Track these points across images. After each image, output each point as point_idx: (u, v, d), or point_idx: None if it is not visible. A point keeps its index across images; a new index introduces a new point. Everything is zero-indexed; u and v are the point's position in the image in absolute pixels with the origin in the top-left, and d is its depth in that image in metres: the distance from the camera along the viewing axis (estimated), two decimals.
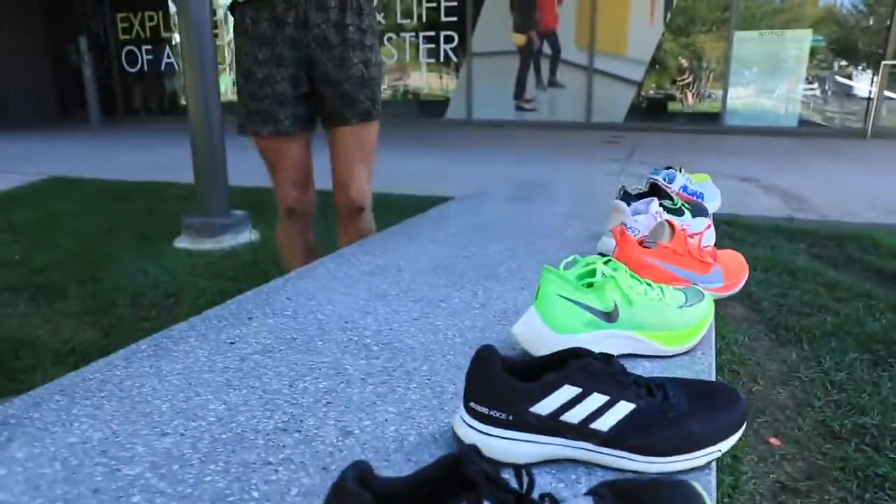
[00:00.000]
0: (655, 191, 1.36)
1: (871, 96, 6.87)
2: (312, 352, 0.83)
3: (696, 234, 1.10)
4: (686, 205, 1.35)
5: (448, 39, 8.46)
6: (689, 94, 7.69)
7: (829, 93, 7.25)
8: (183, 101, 10.48)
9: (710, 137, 7.14)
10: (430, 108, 8.69)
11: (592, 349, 0.59)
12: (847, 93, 7.20)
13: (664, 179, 1.53)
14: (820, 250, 2.69)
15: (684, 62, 7.61)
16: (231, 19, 1.49)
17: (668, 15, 7.40)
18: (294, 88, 1.47)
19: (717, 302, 2.14)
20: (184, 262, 2.60)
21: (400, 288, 1.07)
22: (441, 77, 8.59)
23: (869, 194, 3.73)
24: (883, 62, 6.75)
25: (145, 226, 3.21)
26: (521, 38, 8.03)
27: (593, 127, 7.83)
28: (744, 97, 7.40)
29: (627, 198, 1.32)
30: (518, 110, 8.26)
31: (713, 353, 0.86)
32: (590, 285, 0.77)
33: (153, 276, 2.45)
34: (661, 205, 1.30)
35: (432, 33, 8.53)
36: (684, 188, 1.54)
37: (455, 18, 8.33)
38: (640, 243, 1.01)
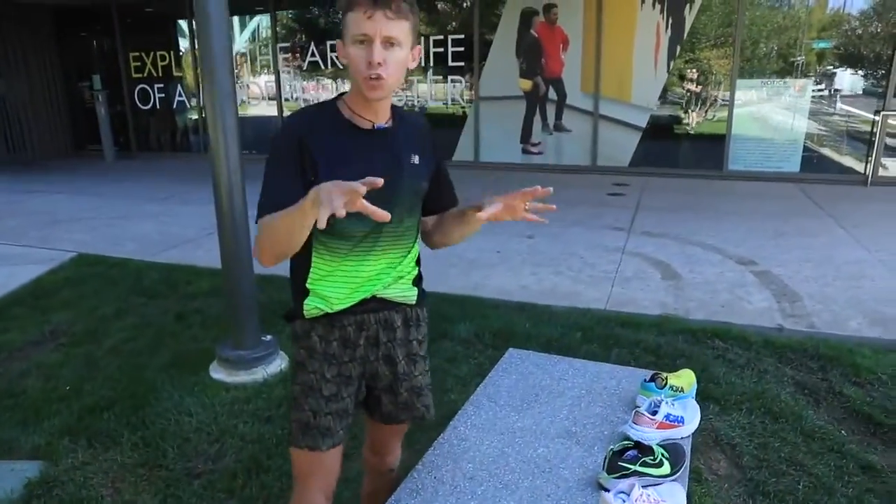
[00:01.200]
0: (639, 447, 1.59)
1: (873, 141, 7.02)
2: None
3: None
4: (665, 454, 1.58)
5: (456, 83, 8.67)
6: (692, 142, 7.87)
7: (832, 139, 7.42)
8: (191, 137, 10.75)
9: (713, 183, 7.33)
10: (437, 149, 8.88)
11: None
12: (849, 140, 7.37)
13: (648, 410, 1.75)
14: (805, 376, 2.91)
15: (687, 109, 7.79)
16: (295, 327, 1.52)
17: (672, 64, 7.57)
18: (355, 402, 1.53)
19: (702, 453, 2.39)
20: (222, 398, 2.85)
21: None
22: (449, 119, 8.81)
23: (859, 289, 3.94)
24: (882, 112, 6.91)
25: (180, 341, 3.47)
26: (526, 84, 8.24)
27: (599, 171, 8.03)
28: (746, 143, 7.57)
29: (615, 460, 1.54)
30: (525, 153, 8.47)
31: None
32: None
33: (196, 417, 2.71)
34: (643, 462, 1.54)
35: (440, 77, 8.75)
36: (667, 416, 1.77)
37: (462, 63, 8.55)
38: None
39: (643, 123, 7.83)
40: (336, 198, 1.09)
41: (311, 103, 1.48)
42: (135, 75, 10.83)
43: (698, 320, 3.48)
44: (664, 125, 7.85)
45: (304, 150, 1.35)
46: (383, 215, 1.13)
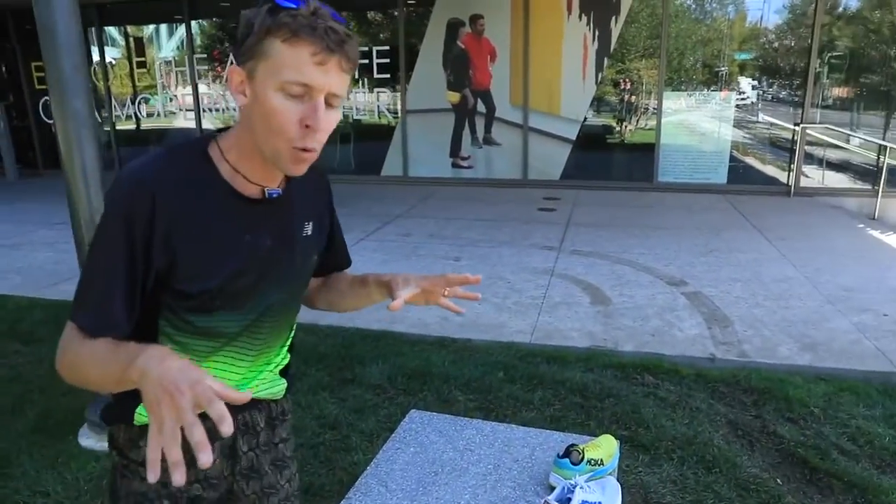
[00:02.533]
0: None
1: (795, 150, 7.10)
2: None
3: None
4: None
5: (382, 94, 8.37)
6: (621, 152, 7.82)
7: (756, 150, 7.49)
8: (103, 153, 10.09)
9: (643, 196, 7.26)
10: (367, 165, 8.58)
11: None
12: (772, 150, 7.45)
13: (560, 499, 1.48)
14: (738, 414, 2.72)
15: (616, 121, 7.73)
16: (114, 433, 1.15)
17: (600, 76, 7.49)
18: None
19: None
20: (89, 471, 2.44)
21: None
22: (376, 134, 8.48)
23: (788, 309, 3.83)
24: (801, 124, 6.99)
25: (50, 397, 3.01)
26: (454, 96, 8.01)
27: (530, 184, 7.87)
28: (674, 154, 7.55)
29: None
30: (455, 167, 8.23)
31: None
32: None
33: (54, 496, 2.29)
34: None
35: (366, 89, 8.43)
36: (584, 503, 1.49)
37: (388, 75, 8.25)
38: None
39: (573, 136, 7.71)
40: (181, 402, 0.73)
41: (169, 146, 1.02)
42: (38, 87, 10.04)
43: (628, 353, 3.27)
44: (594, 137, 7.76)
45: (155, 225, 0.94)
46: (243, 397, 0.78)
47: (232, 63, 1.07)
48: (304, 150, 0.95)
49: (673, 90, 7.43)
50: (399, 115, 8.28)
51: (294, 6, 0.90)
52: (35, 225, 6.61)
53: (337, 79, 0.93)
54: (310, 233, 1.15)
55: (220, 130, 1.06)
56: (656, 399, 2.82)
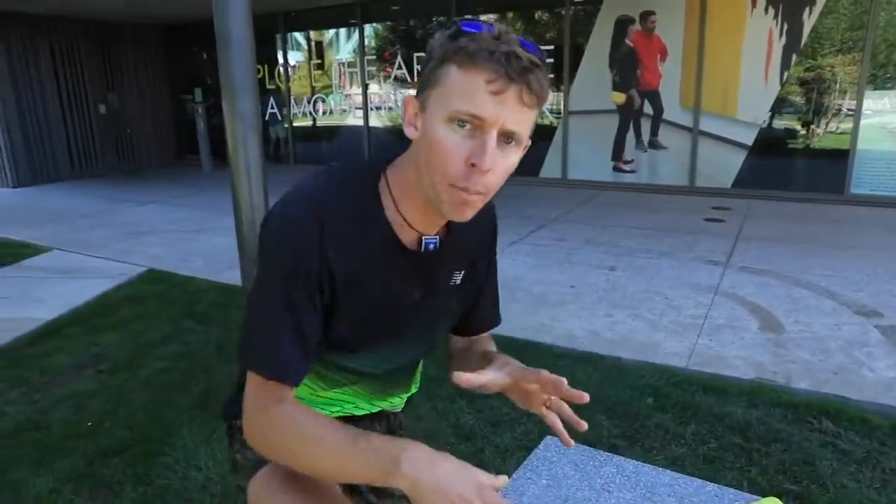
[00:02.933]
0: None
1: None
2: None
3: None
4: None
5: None
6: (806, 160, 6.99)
7: None
8: (282, 148, 10.94)
9: (831, 209, 6.45)
10: (525, 166, 8.46)
11: None
12: None
13: None
14: None
15: (802, 124, 6.93)
16: (236, 430, 1.17)
17: (786, 75, 6.76)
18: None
19: None
20: None
21: None
22: (536, 134, 8.34)
23: None
24: None
25: (213, 377, 3.27)
26: (620, 97, 7.65)
27: (697, 192, 7.32)
28: (874, 162, 6.62)
29: None
30: (616, 171, 7.87)
31: None
32: None
33: (205, 472, 2.46)
34: None
35: None
36: None
37: (552, 75, 8.06)
38: None
39: (749, 141, 7.04)
40: None
41: (338, 171, 0.95)
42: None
43: (802, 391, 2.87)
44: (775, 142, 7.02)
45: (322, 269, 0.88)
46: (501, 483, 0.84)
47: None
48: (467, 190, 0.83)
49: (875, 89, 6.50)
50: (561, 115, 8.09)
51: (477, 31, 0.80)
52: (221, 213, 7.32)
53: (515, 112, 0.81)
54: (458, 282, 1.07)
55: (393, 157, 0.96)
56: (836, 451, 2.44)
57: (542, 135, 8.25)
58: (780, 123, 6.97)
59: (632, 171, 7.79)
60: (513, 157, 0.86)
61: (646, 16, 7.29)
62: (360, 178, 0.93)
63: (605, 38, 7.60)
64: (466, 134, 0.81)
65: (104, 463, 2.55)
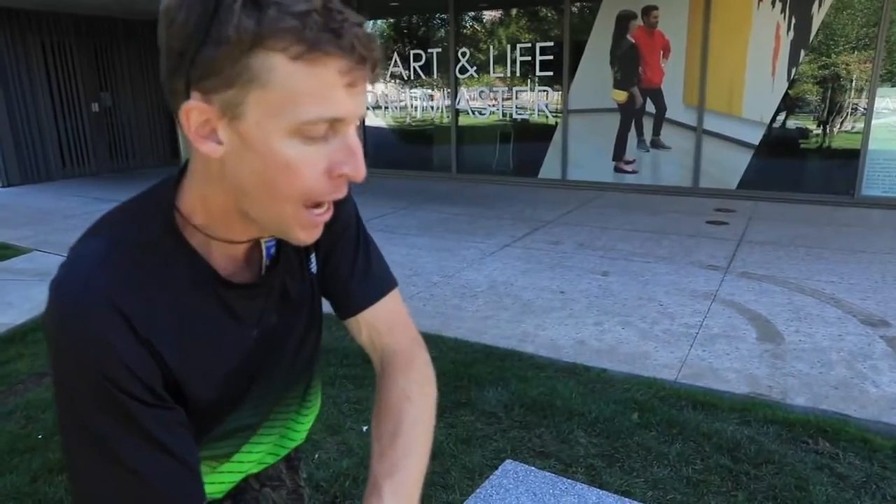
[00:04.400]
0: None
1: None
2: None
3: None
4: None
5: (543, 93, 8.02)
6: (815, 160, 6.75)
7: None
8: None
9: (840, 212, 6.21)
10: (523, 167, 8.29)
11: None
12: None
13: None
14: None
15: (810, 123, 6.69)
16: None
17: (794, 72, 6.52)
18: None
19: None
20: None
21: None
22: (535, 134, 8.15)
23: None
24: None
25: None
26: (621, 95, 7.44)
27: (701, 193, 7.09)
28: (887, 163, 6.37)
29: None
30: (617, 172, 7.66)
31: None
32: None
33: None
34: None
35: (526, 88, 8.13)
36: None
37: (550, 73, 7.88)
38: None
39: (756, 140, 6.80)
40: None
41: (109, 228, 0.70)
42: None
43: (799, 407, 2.66)
44: (782, 142, 6.78)
45: (153, 361, 0.66)
46: None
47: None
48: (322, 206, 0.66)
49: (893, 85, 6.24)
50: (560, 114, 7.89)
51: None
52: None
53: (365, 97, 0.65)
54: (315, 269, 0.86)
55: (174, 179, 0.72)
56: (833, 475, 2.23)
57: (541, 134, 8.05)
58: (788, 122, 6.73)
59: (633, 172, 7.57)
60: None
61: (648, 11, 7.07)
62: (145, 223, 0.69)
63: (605, 35, 7.39)
64: (318, 142, 0.62)
65: (48, 479, 2.39)
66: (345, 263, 0.88)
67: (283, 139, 0.60)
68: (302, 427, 1.01)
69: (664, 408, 2.69)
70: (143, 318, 0.65)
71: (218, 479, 0.91)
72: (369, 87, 0.66)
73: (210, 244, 0.71)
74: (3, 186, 9.59)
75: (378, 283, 0.90)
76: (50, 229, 6.61)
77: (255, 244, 0.77)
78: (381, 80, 9.43)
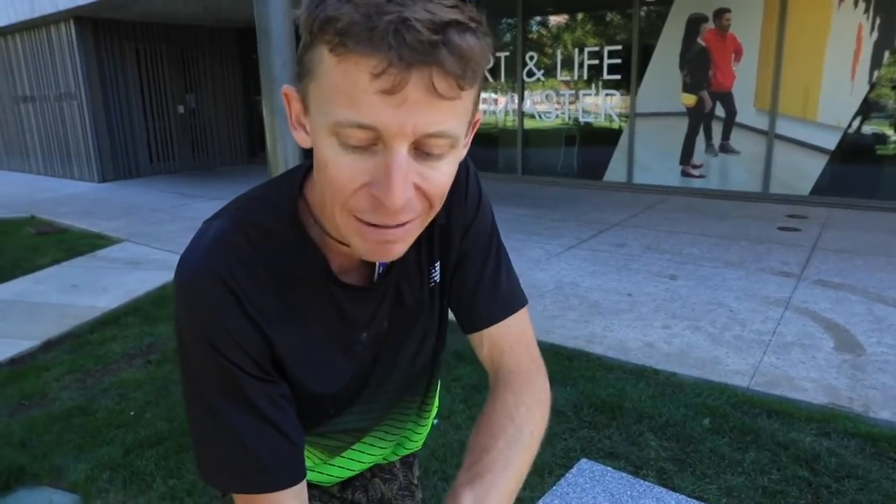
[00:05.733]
0: None
1: None
2: None
3: None
4: None
5: (610, 96, 7.96)
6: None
7: None
8: None
9: None
10: (589, 169, 8.23)
11: None
12: None
13: None
14: None
15: (888, 131, 6.41)
16: None
17: (875, 75, 6.27)
18: None
19: None
20: None
21: None
22: (601, 137, 8.09)
23: None
24: None
25: None
26: (690, 99, 7.31)
27: (771, 199, 6.89)
28: None
29: None
30: (684, 176, 7.53)
31: None
32: None
33: None
34: None
35: (592, 91, 8.08)
36: None
37: (618, 76, 7.81)
38: None
39: (831, 145, 6.57)
40: None
41: (240, 207, 0.73)
42: None
43: (884, 422, 2.59)
44: (860, 147, 6.52)
45: (262, 344, 0.71)
46: None
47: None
48: (378, 227, 0.60)
49: None
50: (627, 118, 7.81)
51: None
52: None
53: (428, 110, 0.54)
54: (438, 279, 0.85)
55: (305, 168, 0.74)
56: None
57: (607, 138, 7.98)
58: (867, 127, 6.47)
59: (701, 176, 7.42)
60: (446, 167, 0.60)
61: (720, 13, 6.93)
62: (270, 211, 0.72)
63: (675, 38, 7.28)
64: (364, 150, 0.57)
65: (140, 454, 2.56)
66: (472, 276, 0.85)
67: (326, 137, 0.58)
68: (419, 436, 1.05)
69: (737, 414, 2.66)
70: (253, 298, 0.68)
71: (328, 471, 0.96)
72: (444, 98, 0.54)
73: (325, 239, 0.72)
74: (99, 181, 10.24)
75: (505, 300, 0.87)
76: (139, 221, 7.01)
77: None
78: None
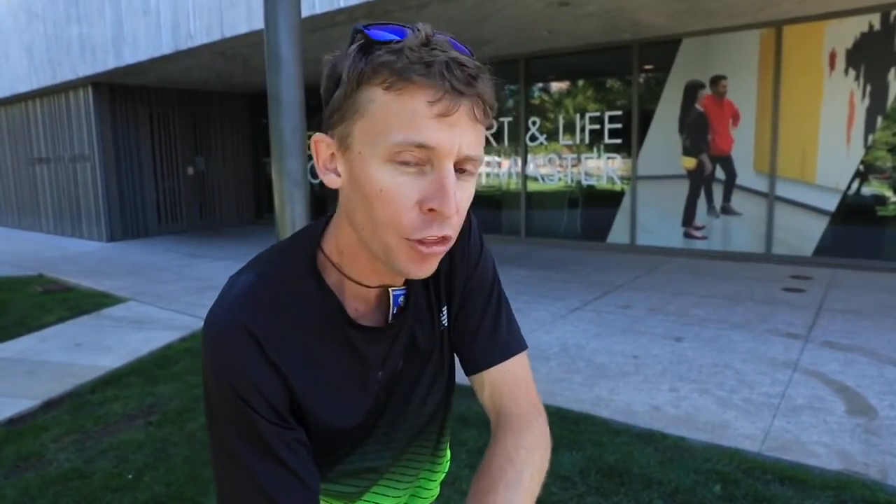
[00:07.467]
0: None
1: None
2: None
3: None
4: None
5: (612, 159, 8.11)
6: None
7: None
8: None
9: None
10: (592, 231, 8.30)
11: None
12: None
13: None
14: None
15: (887, 192, 6.49)
16: None
17: (870, 139, 6.40)
18: None
19: None
20: None
21: None
22: (604, 200, 8.20)
23: None
24: None
25: None
26: (690, 162, 7.45)
27: (774, 260, 6.92)
28: None
29: None
30: (687, 237, 7.58)
31: None
32: None
33: None
34: None
35: (594, 155, 8.24)
36: None
37: (619, 140, 7.98)
38: None
39: (831, 207, 6.64)
40: None
41: (263, 263, 0.80)
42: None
43: None
44: (860, 209, 6.58)
45: (282, 386, 0.75)
46: None
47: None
48: (425, 242, 0.68)
49: None
50: (629, 180, 7.93)
51: (396, 37, 0.65)
52: None
53: (470, 134, 0.67)
54: (447, 322, 0.90)
55: (325, 220, 0.82)
56: None
57: (610, 200, 8.09)
58: (866, 189, 6.56)
59: (703, 238, 7.47)
60: (471, 187, 0.72)
61: (717, 80, 7.14)
62: (291, 260, 0.78)
63: (674, 103, 7.47)
64: (414, 173, 0.66)
65: None
66: (473, 319, 0.90)
67: (379, 166, 0.66)
68: (433, 483, 1.04)
69: (749, 481, 2.60)
70: (275, 344, 0.73)
71: None
72: (479, 124, 0.67)
73: (344, 284, 0.79)
74: (107, 241, 10.36)
75: (505, 344, 0.91)
76: (144, 281, 7.04)
77: (385, 292, 0.83)
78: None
